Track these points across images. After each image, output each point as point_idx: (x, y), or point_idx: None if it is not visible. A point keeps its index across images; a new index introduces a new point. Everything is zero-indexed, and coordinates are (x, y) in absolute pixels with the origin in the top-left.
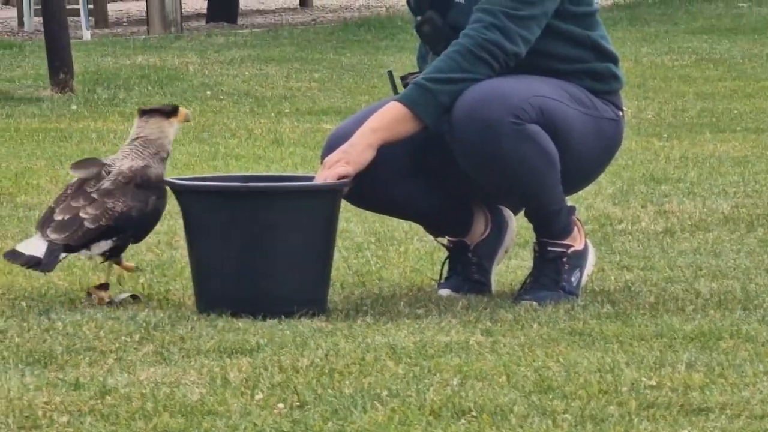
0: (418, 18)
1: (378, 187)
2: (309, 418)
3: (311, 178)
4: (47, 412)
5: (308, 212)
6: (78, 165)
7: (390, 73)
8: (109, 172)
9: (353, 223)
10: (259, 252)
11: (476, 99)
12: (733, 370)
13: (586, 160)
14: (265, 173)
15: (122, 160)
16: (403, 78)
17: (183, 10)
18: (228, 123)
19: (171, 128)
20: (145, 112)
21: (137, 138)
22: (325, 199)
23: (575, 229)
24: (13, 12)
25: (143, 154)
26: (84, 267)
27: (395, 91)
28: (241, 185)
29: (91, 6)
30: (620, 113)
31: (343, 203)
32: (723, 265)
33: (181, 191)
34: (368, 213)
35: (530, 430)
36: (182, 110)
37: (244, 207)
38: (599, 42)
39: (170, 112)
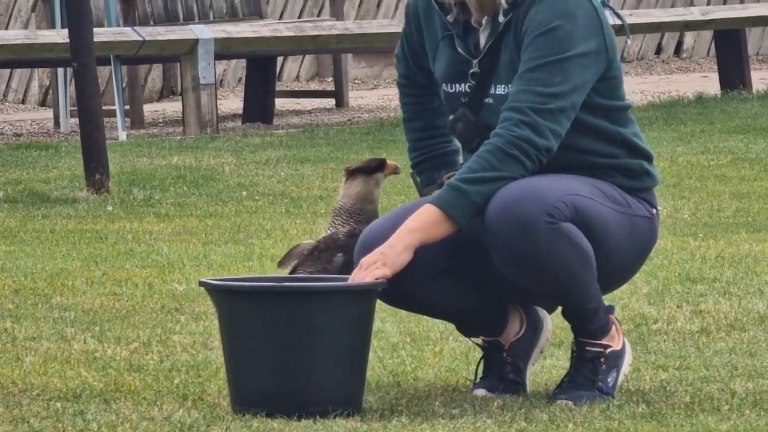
0: (451, 117)
1: (412, 286)
2: None
3: (345, 280)
4: None
5: (345, 312)
6: (283, 261)
7: (413, 174)
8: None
9: (388, 323)
10: (294, 351)
11: (510, 198)
12: None
13: (620, 259)
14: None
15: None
16: (434, 178)
17: (219, 111)
18: (263, 223)
19: (377, 186)
20: (351, 173)
21: (342, 206)
22: (362, 299)
23: (613, 328)
24: (49, 113)
25: (348, 220)
26: (119, 368)
27: (420, 192)
28: (277, 284)
29: (127, 107)
30: (654, 211)
31: (378, 303)
32: (758, 364)
33: (217, 291)
34: (403, 312)
35: None
36: (389, 163)
37: (280, 307)
38: (631, 138)
39: (375, 168)
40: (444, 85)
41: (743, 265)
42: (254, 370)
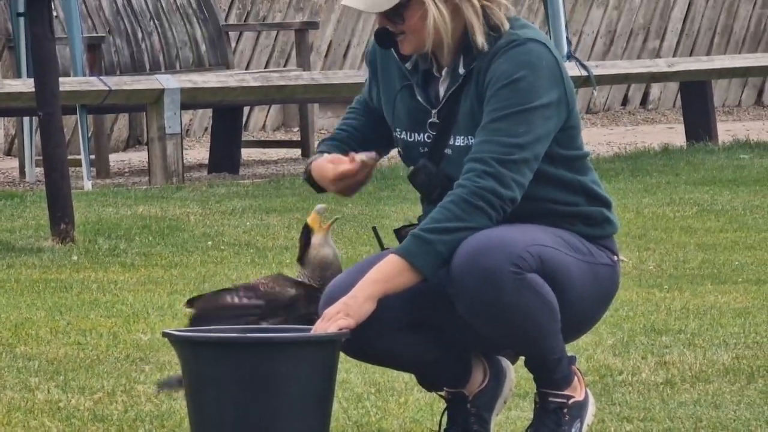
0: (411, 168)
1: (376, 339)
2: None
3: (309, 330)
4: None
5: (308, 363)
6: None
7: (374, 228)
8: None
9: (353, 373)
10: (258, 402)
11: (475, 248)
12: None
13: (583, 307)
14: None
15: None
16: (397, 231)
17: (185, 161)
18: (229, 273)
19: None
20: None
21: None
22: (325, 350)
23: (575, 379)
24: (14, 162)
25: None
26: (83, 418)
27: (381, 247)
28: (239, 336)
29: (92, 156)
30: (615, 258)
31: (342, 354)
32: (723, 416)
33: (180, 342)
34: (367, 364)
35: None
36: (312, 217)
37: (242, 357)
38: (590, 186)
39: (305, 244)
40: (403, 133)
41: (708, 316)
42: (218, 421)
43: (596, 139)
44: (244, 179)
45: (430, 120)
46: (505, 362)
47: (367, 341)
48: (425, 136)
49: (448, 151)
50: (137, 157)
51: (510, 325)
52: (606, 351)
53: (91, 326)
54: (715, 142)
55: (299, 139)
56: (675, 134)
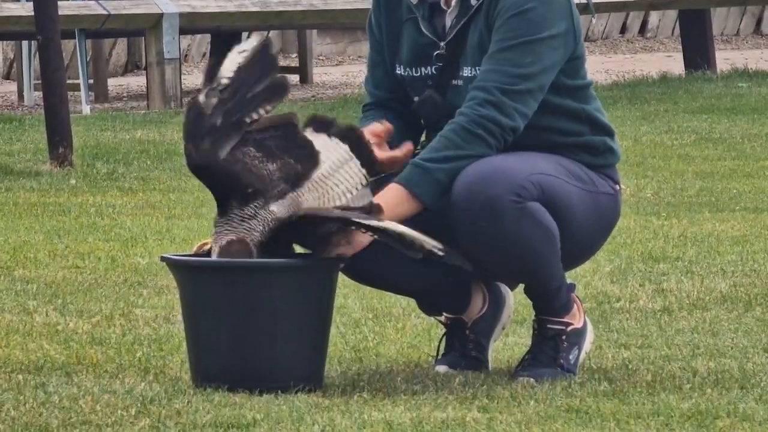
0: (416, 98)
1: (376, 262)
2: None
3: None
4: None
5: (305, 288)
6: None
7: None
8: None
9: (351, 299)
10: (255, 327)
11: (476, 177)
12: None
13: (584, 236)
14: None
15: None
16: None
17: (183, 86)
18: None
19: None
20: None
21: None
22: (322, 276)
23: (574, 306)
24: (13, 86)
25: None
26: (81, 341)
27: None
28: (236, 261)
29: (91, 81)
30: (617, 187)
31: (341, 277)
32: (720, 344)
33: (177, 267)
34: (366, 289)
35: None
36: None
37: (240, 282)
38: (595, 115)
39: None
40: (407, 69)
41: (706, 244)
42: (215, 346)
43: (594, 67)
44: None
45: (437, 52)
46: (505, 289)
47: (368, 264)
48: (432, 69)
49: (456, 82)
50: (135, 82)
51: (510, 253)
52: (604, 278)
53: (89, 250)
54: (713, 70)
55: (297, 65)
56: (673, 62)
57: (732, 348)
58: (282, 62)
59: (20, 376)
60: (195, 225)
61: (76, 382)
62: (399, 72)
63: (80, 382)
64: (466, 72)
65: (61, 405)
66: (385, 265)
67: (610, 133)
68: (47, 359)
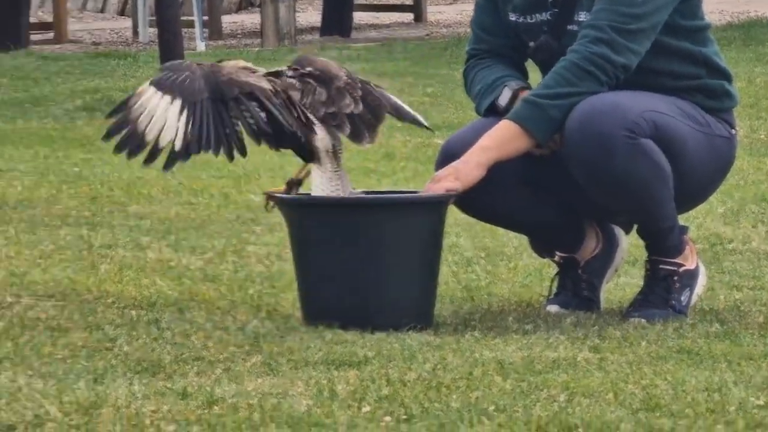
0: (532, 44)
1: (491, 195)
2: (415, 431)
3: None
4: (154, 420)
5: (414, 224)
6: None
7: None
8: None
9: (463, 237)
10: (365, 264)
11: (590, 112)
12: None
13: (698, 178)
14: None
15: None
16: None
17: (297, 24)
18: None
19: None
20: None
21: None
22: (431, 211)
23: (687, 248)
24: (127, 22)
25: None
26: (193, 277)
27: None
28: (348, 197)
29: (205, 18)
30: (733, 131)
31: (454, 216)
32: None
33: (287, 204)
34: (478, 228)
35: None
36: None
37: (350, 219)
38: (712, 58)
39: None
40: (522, 17)
41: None
42: (325, 284)
43: (709, 7)
44: (356, 43)
45: (548, 9)
46: (619, 231)
47: (482, 197)
48: (547, 15)
49: (572, 27)
50: (249, 19)
51: (622, 189)
52: (716, 220)
53: (203, 186)
54: None
55: (411, 3)
56: None
57: None
58: (396, 0)
59: (133, 312)
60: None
61: (189, 319)
62: (513, 18)
63: (192, 319)
64: (582, 17)
65: (173, 341)
66: (500, 199)
67: (728, 77)
68: (160, 295)
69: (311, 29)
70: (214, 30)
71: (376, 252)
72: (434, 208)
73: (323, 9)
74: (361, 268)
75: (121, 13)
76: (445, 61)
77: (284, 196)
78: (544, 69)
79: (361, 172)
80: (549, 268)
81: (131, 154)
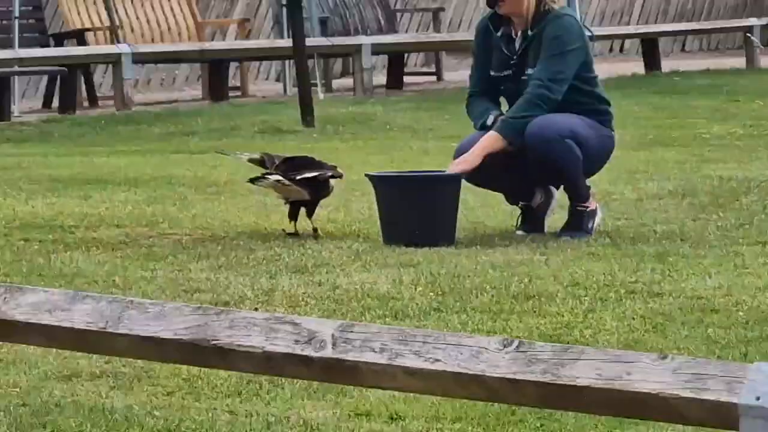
0: (502, 87)
1: (484, 173)
2: (442, 300)
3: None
4: (305, 298)
5: (446, 188)
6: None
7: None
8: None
9: (470, 195)
10: (423, 208)
11: (539, 126)
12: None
13: (595, 159)
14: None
15: None
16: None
17: (373, 83)
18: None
19: None
20: None
21: None
22: (454, 181)
23: (591, 197)
24: (279, 85)
25: None
26: (322, 219)
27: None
28: (412, 174)
29: (323, 81)
30: (612, 132)
31: (465, 185)
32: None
33: (372, 178)
34: (478, 191)
35: (564, 308)
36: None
37: (412, 187)
38: (600, 93)
39: None
40: (496, 72)
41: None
42: (396, 222)
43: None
44: (407, 93)
45: (511, 62)
46: (553, 189)
47: (479, 175)
48: (510, 71)
49: (524, 77)
50: (348, 82)
51: (557, 168)
52: (604, 182)
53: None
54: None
55: (435, 70)
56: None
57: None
58: (420, 71)
59: (289, 240)
60: (382, 160)
61: (318, 243)
62: (492, 73)
63: (321, 244)
64: (529, 71)
65: (312, 254)
66: (489, 175)
67: (608, 103)
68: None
69: (381, 86)
70: (328, 87)
71: (429, 202)
72: (455, 179)
73: (387, 75)
74: (420, 211)
75: (277, 79)
76: (457, 101)
77: (374, 174)
78: (510, 102)
79: (416, 161)
80: (516, 210)
81: None
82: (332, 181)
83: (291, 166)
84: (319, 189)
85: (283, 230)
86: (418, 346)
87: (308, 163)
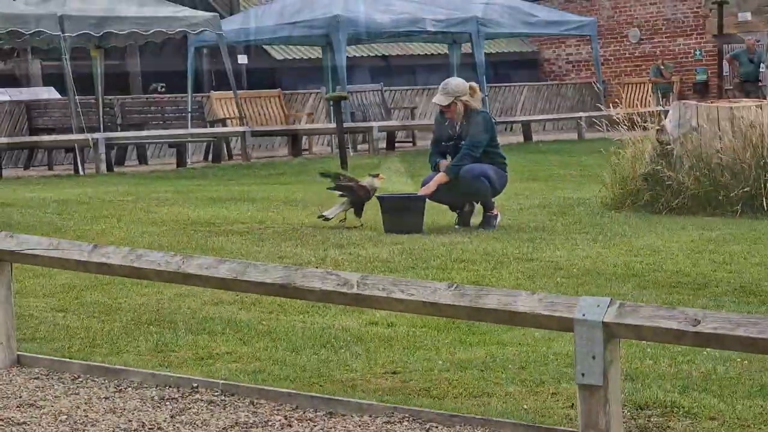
0: (447, 152)
1: (437, 195)
2: (427, 273)
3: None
4: (342, 262)
5: (416, 204)
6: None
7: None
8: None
9: (433, 208)
10: (406, 213)
11: (468, 170)
12: None
13: (498, 188)
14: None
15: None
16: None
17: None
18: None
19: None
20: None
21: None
22: (421, 200)
23: (496, 208)
24: (329, 148)
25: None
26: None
27: (432, 168)
28: (400, 195)
29: (352, 146)
30: (506, 174)
31: (429, 203)
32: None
33: (378, 198)
34: (436, 205)
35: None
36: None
37: (400, 201)
38: (501, 153)
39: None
40: (445, 143)
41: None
42: (393, 221)
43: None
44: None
45: (453, 137)
46: (475, 203)
47: (434, 195)
48: (452, 142)
49: (460, 145)
50: (362, 148)
51: (476, 194)
52: (503, 199)
53: None
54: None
55: (411, 140)
56: None
57: None
58: (404, 140)
59: (350, 231)
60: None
61: (353, 233)
62: (443, 143)
63: (350, 233)
64: (463, 143)
65: (360, 243)
66: (442, 196)
67: (504, 158)
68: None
69: (383, 148)
70: (354, 149)
71: (411, 211)
72: (422, 198)
73: (386, 142)
74: (403, 215)
75: (328, 144)
76: (424, 156)
77: (381, 195)
78: (452, 156)
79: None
80: (455, 214)
81: None
82: (376, 183)
83: (347, 178)
84: (369, 193)
85: (341, 221)
86: (403, 287)
87: (354, 179)
